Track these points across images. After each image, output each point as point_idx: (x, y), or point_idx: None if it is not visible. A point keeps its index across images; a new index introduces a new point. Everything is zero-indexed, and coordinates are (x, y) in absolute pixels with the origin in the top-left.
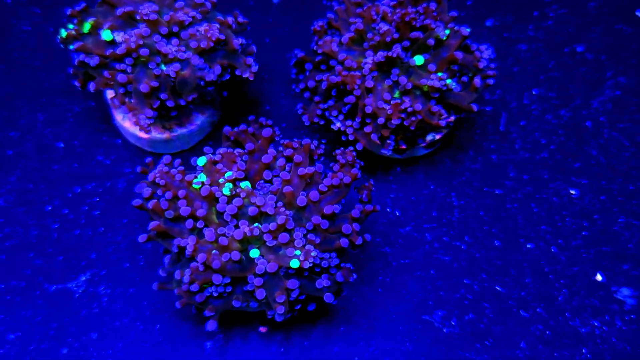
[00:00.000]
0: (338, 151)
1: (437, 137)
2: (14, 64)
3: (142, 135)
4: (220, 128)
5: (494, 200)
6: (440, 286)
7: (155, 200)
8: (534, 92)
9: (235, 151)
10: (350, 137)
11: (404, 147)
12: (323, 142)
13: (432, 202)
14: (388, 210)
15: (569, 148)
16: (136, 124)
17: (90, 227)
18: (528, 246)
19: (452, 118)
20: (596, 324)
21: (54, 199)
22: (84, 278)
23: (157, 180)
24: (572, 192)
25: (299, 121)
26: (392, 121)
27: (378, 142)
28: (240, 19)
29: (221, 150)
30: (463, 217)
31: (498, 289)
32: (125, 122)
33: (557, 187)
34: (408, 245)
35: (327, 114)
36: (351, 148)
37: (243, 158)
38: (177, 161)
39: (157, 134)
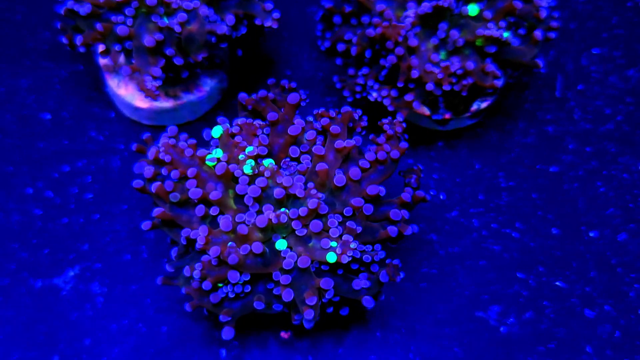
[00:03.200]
0: (385, 120)
1: (484, 105)
2: None
3: (142, 104)
4: (232, 96)
5: (550, 180)
6: (493, 279)
7: (160, 182)
8: (594, 52)
9: (255, 122)
10: (390, 108)
11: (448, 116)
12: (364, 117)
13: (478, 184)
14: (432, 192)
15: (638, 118)
16: (141, 88)
17: (82, 213)
18: (591, 235)
19: (501, 82)
20: None
21: (36, 181)
22: (72, 273)
23: (161, 155)
24: None
25: (326, 88)
26: (443, 87)
27: (422, 111)
28: None
29: (239, 120)
30: (513, 200)
31: (558, 284)
32: (121, 89)
33: (627, 162)
34: (455, 232)
35: (362, 81)
36: (401, 118)
37: (264, 131)
38: (184, 135)
39: (161, 103)
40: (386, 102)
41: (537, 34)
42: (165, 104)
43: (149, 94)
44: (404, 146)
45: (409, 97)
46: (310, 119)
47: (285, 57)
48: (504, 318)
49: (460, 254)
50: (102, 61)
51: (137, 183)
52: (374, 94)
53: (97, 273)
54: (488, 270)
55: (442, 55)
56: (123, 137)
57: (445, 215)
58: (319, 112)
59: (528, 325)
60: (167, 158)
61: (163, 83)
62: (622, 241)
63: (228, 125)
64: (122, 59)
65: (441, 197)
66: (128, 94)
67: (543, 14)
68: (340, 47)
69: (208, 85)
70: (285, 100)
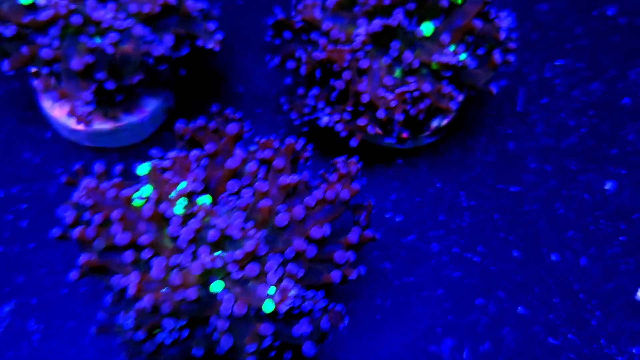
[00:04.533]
0: (339, 159)
1: (444, 122)
2: None
3: (78, 126)
4: (179, 115)
5: (511, 200)
6: (450, 309)
7: (81, 228)
8: (557, 64)
9: (191, 154)
10: (342, 134)
11: (405, 135)
12: (308, 146)
13: (438, 204)
14: (388, 215)
15: (602, 131)
16: (71, 113)
17: (18, 242)
18: (552, 258)
19: (461, 97)
20: (635, 352)
21: None
22: (8, 309)
23: (81, 201)
24: (607, 186)
25: (280, 104)
26: (395, 115)
27: (376, 133)
28: None
29: (172, 153)
30: (475, 222)
31: (519, 311)
32: (55, 111)
33: (588, 180)
34: (412, 259)
35: (312, 102)
36: (357, 158)
37: (202, 163)
38: (118, 167)
39: (98, 125)
40: (338, 127)
41: (496, 57)
42: (104, 125)
43: (81, 120)
44: (356, 187)
45: (361, 122)
46: (253, 148)
47: (237, 71)
48: (458, 352)
49: (416, 283)
50: (35, 81)
51: (55, 232)
52: (325, 119)
53: (33, 309)
54: (445, 299)
55: (398, 73)
56: (61, 160)
57: (401, 240)
58: (263, 141)
59: (485, 358)
60: (88, 202)
61: (101, 104)
62: (585, 265)
63: (158, 160)
64: (53, 81)
65: (398, 219)
66: (63, 115)
67: (502, 35)
68: (290, 64)
69: (151, 105)
70: (225, 131)
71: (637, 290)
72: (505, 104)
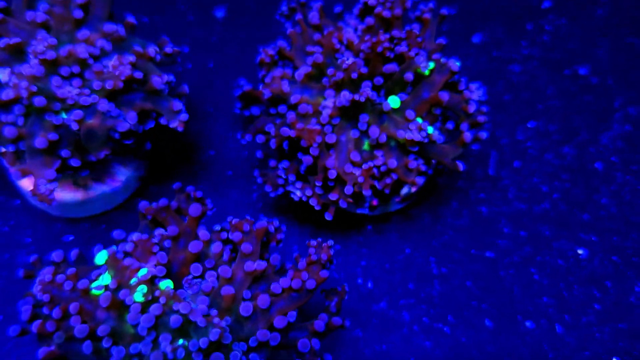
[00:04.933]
0: (313, 242)
1: (414, 189)
2: None
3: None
4: (152, 180)
5: (484, 266)
6: None
7: (40, 322)
8: (529, 126)
9: (155, 233)
10: (317, 208)
11: (375, 203)
12: (283, 228)
13: (408, 270)
14: (359, 281)
15: (575, 196)
16: (33, 193)
17: None
18: (527, 325)
19: (430, 172)
20: None
21: None
22: None
23: (38, 296)
24: (580, 251)
25: (251, 168)
26: (363, 191)
27: (347, 205)
28: (168, 49)
29: (134, 235)
30: (447, 289)
31: None
32: (24, 181)
33: (561, 247)
34: (383, 327)
35: (283, 175)
36: (331, 243)
37: (164, 245)
38: (74, 252)
39: (68, 194)
40: (312, 202)
41: (466, 135)
42: (75, 195)
43: (42, 199)
44: (324, 275)
45: (333, 196)
46: (218, 227)
47: (210, 135)
48: None
49: (387, 352)
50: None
51: (14, 330)
52: (298, 193)
53: None
54: None
55: (366, 145)
56: (30, 229)
57: (372, 307)
58: (233, 222)
59: None
60: (45, 297)
61: (72, 172)
62: (560, 333)
63: (115, 247)
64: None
65: (369, 285)
66: (31, 186)
67: (471, 108)
68: (260, 138)
69: (123, 174)
70: (188, 211)
71: None
72: (478, 168)
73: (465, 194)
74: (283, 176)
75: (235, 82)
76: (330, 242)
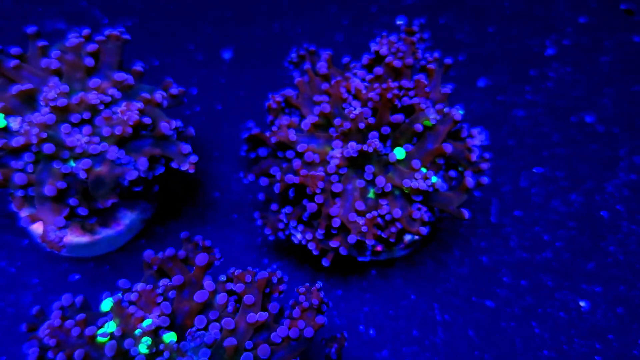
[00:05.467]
0: (301, 289)
1: (417, 237)
2: None
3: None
4: (156, 222)
5: (486, 315)
6: None
7: None
8: (535, 172)
9: (160, 283)
10: (315, 253)
11: (379, 249)
12: (285, 278)
13: (412, 317)
14: (361, 328)
15: (580, 245)
16: (42, 240)
17: None
18: None
19: (433, 220)
20: None
21: None
22: None
23: (44, 341)
24: (582, 303)
25: (257, 211)
26: (366, 240)
27: (348, 252)
28: (174, 90)
29: (139, 285)
30: (449, 337)
31: None
32: (33, 224)
33: (564, 298)
34: None
35: (285, 220)
36: (320, 285)
37: (169, 295)
38: (78, 298)
39: (75, 238)
40: (311, 246)
41: (469, 181)
42: (82, 239)
43: (52, 247)
44: (320, 321)
45: (334, 244)
46: (223, 278)
47: (216, 177)
48: None
49: None
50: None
51: None
52: (299, 236)
53: None
54: None
55: (371, 193)
56: (36, 270)
57: (375, 354)
58: (235, 274)
59: None
60: (52, 342)
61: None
62: None
63: (121, 295)
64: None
65: (371, 333)
66: (39, 227)
67: (474, 157)
68: (263, 181)
69: (128, 218)
70: (194, 261)
71: None
72: (479, 215)
73: (467, 241)
74: (284, 221)
75: (242, 124)
76: (319, 284)
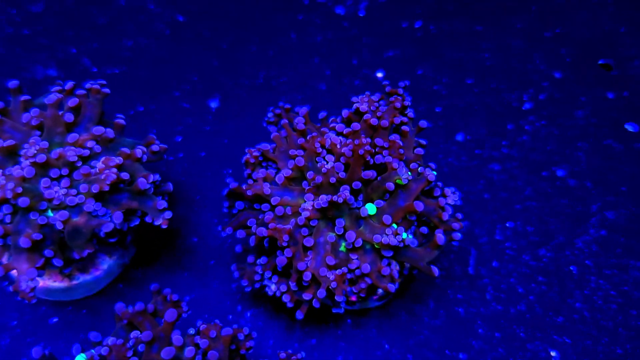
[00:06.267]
0: (282, 355)
1: (391, 288)
2: None
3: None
4: (135, 266)
5: None
6: None
7: None
8: (507, 226)
9: (131, 335)
10: (289, 305)
11: (354, 299)
12: (254, 334)
13: None
14: None
15: (550, 299)
16: (14, 289)
17: None
18: None
19: (405, 273)
20: None
21: None
22: None
23: None
24: (553, 353)
25: (233, 258)
26: (336, 297)
27: (324, 302)
28: (155, 147)
29: (110, 339)
30: None
31: None
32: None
33: (535, 349)
34: None
35: (260, 271)
36: (301, 356)
37: (138, 349)
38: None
39: (53, 282)
40: (285, 298)
41: (440, 237)
42: (59, 284)
43: (23, 297)
44: None
45: (307, 296)
46: (192, 331)
47: (196, 222)
48: None
49: None
50: None
51: None
52: (273, 287)
53: None
54: None
55: (343, 247)
56: (15, 312)
57: None
58: (201, 328)
59: None
60: None
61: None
62: None
63: (93, 352)
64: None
65: None
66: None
67: (445, 216)
68: (240, 234)
69: (106, 263)
70: (164, 316)
71: None
72: (457, 265)
73: (444, 292)
74: (260, 272)
75: (224, 171)
76: (301, 355)
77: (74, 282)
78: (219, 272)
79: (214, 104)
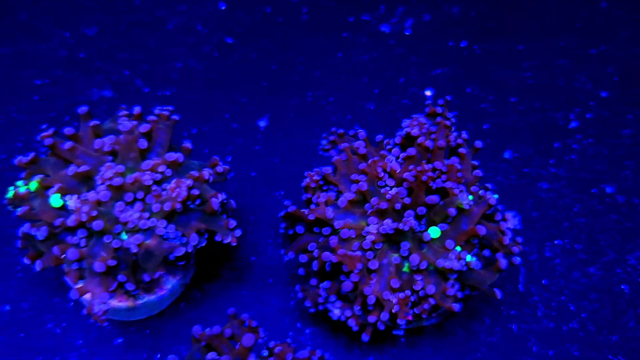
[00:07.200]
0: None
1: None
2: None
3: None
4: (195, 286)
5: None
6: None
7: None
8: (557, 243)
9: (207, 358)
10: (354, 329)
11: (410, 318)
12: (327, 356)
13: None
14: None
15: (603, 317)
16: (88, 312)
17: None
18: None
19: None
20: None
21: None
22: None
23: None
24: None
25: (289, 276)
26: (398, 320)
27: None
28: (220, 168)
29: None
30: None
31: None
32: (79, 286)
33: None
34: None
35: (324, 294)
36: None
37: None
38: None
39: (118, 303)
40: (350, 323)
41: (502, 262)
42: (125, 304)
43: (96, 319)
44: None
45: (372, 319)
46: (265, 353)
47: (252, 242)
48: None
49: None
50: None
51: None
52: (337, 312)
53: None
54: None
55: (406, 267)
56: (81, 331)
57: None
58: (276, 351)
59: None
60: None
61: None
62: None
63: None
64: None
65: None
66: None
67: (506, 240)
68: (303, 258)
69: (169, 283)
70: (241, 340)
71: None
72: (508, 284)
73: (497, 309)
74: (324, 295)
75: (277, 191)
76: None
77: (138, 302)
78: (277, 290)
79: (262, 124)
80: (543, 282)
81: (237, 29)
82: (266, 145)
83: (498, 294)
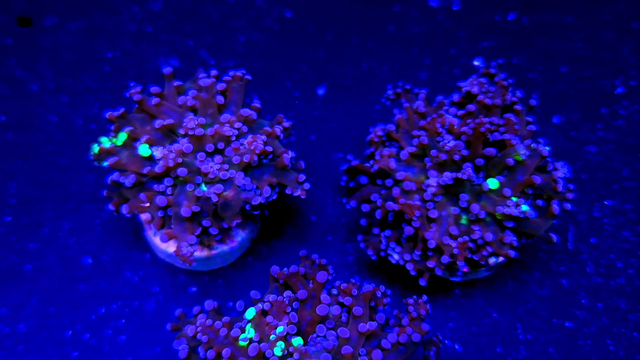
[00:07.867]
0: (410, 301)
1: (501, 259)
2: (38, 161)
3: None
4: (261, 241)
5: (565, 335)
6: None
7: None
8: (606, 204)
9: (284, 296)
10: (412, 273)
11: (466, 270)
12: (389, 292)
13: (494, 334)
14: (448, 343)
15: None
16: (176, 254)
17: (115, 356)
18: None
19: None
20: None
21: (75, 323)
22: None
23: (198, 336)
24: None
25: (348, 232)
26: (458, 263)
27: (443, 275)
28: (286, 123)
29: (270, 297)
30: (530, 355)
31: None
32: (157, 238)
33: (637, 320)
34: None
35: (385, 242)
36: (426, 299)
37: (294, 306)
38: (211, 303)
39: (196, 253)
40: (409, 266)
41: (555, 208)
42: (201, 254)
43: (184, 260)
44: (426, 329)
45: (430, 264)
46: (335, 291)
47: (311, 202)
48: None
49: None
50: (143, 216)
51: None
52: (396, 257)
53: None
54: None
55: (464, 220)
56: (157, 279)
57: None
58: (342, 287)
59: None
60: (204, 338)
61: (201, 236)
62: None
63: (260, 304)
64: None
65: (457, 348)
66: (165, 243)
67: (560, 187)
68: (365, 207)
69: (240, 236)
70: (314, 276)
71: None
72: (558, 243)
73: (547, 265)
74: (385, 243)
75: (334, 153)
76: (425, 298)
77: (213, 252)
78: (336, 247)
79: (321, 91)
80: (591, 240)
81: (296, 2)
82: (324, 111)
83: (554, 237)
